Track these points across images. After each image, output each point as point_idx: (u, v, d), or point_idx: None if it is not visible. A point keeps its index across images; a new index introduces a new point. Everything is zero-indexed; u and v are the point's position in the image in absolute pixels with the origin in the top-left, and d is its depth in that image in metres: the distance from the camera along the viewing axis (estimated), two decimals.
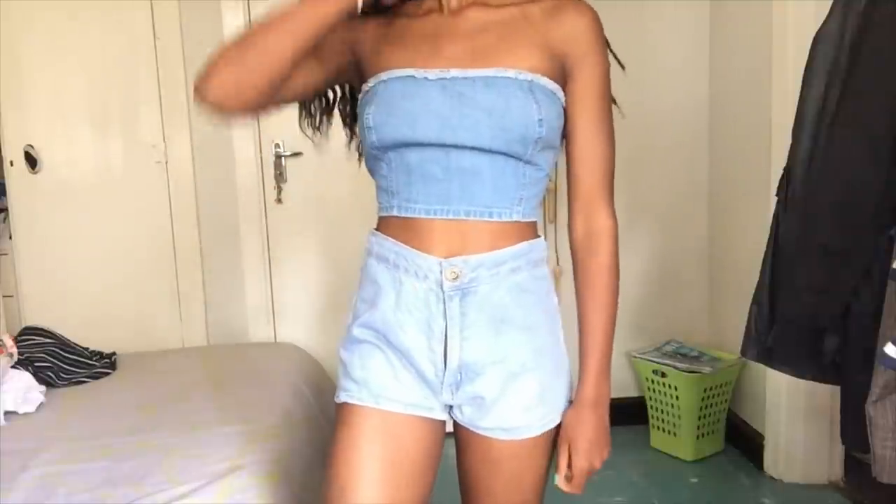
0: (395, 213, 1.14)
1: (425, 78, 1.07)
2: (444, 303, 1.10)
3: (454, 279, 1.09)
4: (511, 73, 1.06)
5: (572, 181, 1.15)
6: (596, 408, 1.13)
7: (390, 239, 1.14)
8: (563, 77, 1.11)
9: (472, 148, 1.06)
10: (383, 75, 1.10)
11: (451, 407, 1.17)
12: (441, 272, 1.09)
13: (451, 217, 1.10)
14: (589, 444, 1.13)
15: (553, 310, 1.18)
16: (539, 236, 1.17)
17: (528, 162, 1.09)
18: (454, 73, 1.07)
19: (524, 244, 1.13)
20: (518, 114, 1.05)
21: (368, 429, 1.13)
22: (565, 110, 1.12)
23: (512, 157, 1.08)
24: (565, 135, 1.14)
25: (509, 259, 1.11)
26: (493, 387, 1.12)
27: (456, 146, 1.06)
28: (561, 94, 1.11)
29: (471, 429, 1.16)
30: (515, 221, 1.12)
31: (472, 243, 1.10)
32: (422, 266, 1.10)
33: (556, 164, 1.18)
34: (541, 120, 1.06)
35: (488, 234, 1.10)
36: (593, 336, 1.14)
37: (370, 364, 1.15)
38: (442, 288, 1.10)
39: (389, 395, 1.13)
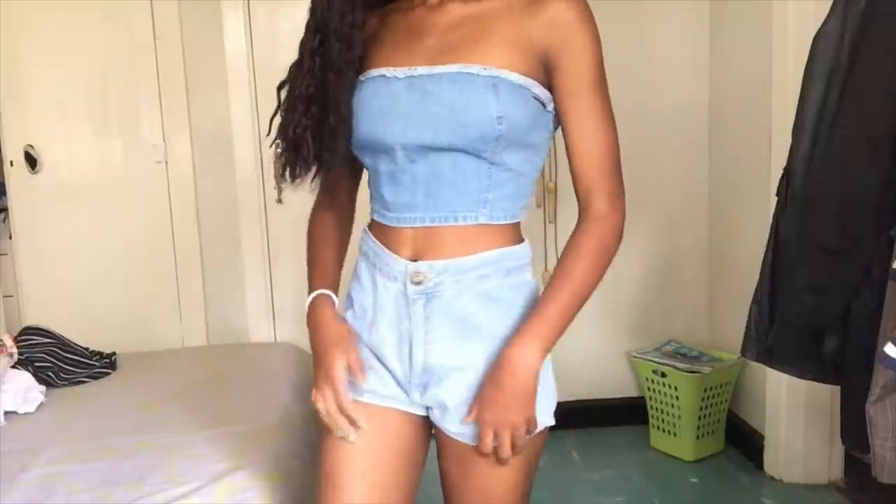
0: (374, 217, 1.17)
1: (395, 77, 1.08)
2: (409, 305, 1.11)
3: (418, 283, 1.10)
4: (475, 68, 1.04)
5: (572, 173, 1.11)
6: (521, 369, 1.05)
7: (373, 238, 1.16)
8: (543, 71, 1.07)
9: (434, 147, 1.06)
10: (362, 76, 1.11)
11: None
12: (407, 275, 1.10)
13: (417, 225, 1.10)
14: (495, 401, 1.05)
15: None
16: (520, 242, 1.14)
17: (492, 162, 1.07)
18: (421, 70, 1.07)
19: (496, 251, 1.10)
20: (477, 111, 1.03)
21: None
22: (557, 103, 1.09)
23: (473, 155, 1.06)
24: (561, 127, 1.11)
25: (477, 266, 1.09)
26: (455, 394, 1.11)
27: (419, 146, 1.06)
28: (538, 89, 1.07)
29: (442, 430, 1.15)
30: (482, 224, 1.09)
31: (439, 247, 1.09)
32: (392, 267, 1.12)
33: (556, 164, 1.17)
34: (500, 117, 1.03)
35: (455, 238, 1.09)
36: (549, 303, 1.07)
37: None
38: (407, 291, 1.11)
39: (368, 387, 1.15)
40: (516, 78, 1.05)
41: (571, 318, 1.08)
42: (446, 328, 1.10)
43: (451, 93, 1.04)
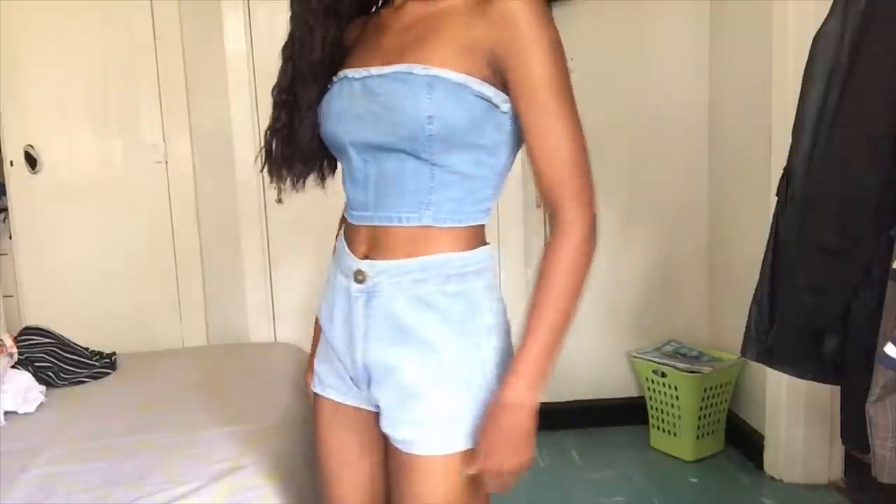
0: (345, 214, 1.20)
1: (354, 78, 1.10)
2: (352, 303, 1.13)
3: (360, 282, 1.12)
4: (416, 68, 1.02)
5: (535, 181, 1.05)
6: (514, 412, 1.04)
7: (341, 236, 1.20)
8: (492, 71, 1.03)
9: (380, 147, 1.07)
10: (335, 78, 1.13)
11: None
12: (352, 272, 1.13)
13: (369, 223, 1.12)
14: (496, 448, 1.05)
15: (475, 330, 1.10)
16: (475, 247, 1.11)
17: (433, 163, 1.05)
18: (374, 71, 1.07)
19: (438, 256, 1.08)
20: (409, 111, 1.02)
21: (323, 418, 1.24)
22: (514, 105, 1.04)
23: (413, 155, 1.05)
24: (521, 132, 1.07)
25: (415, 270, 1.08)
26: (387, 394, 1.12)
27: (365, 145, 1.08)
28: (484, 87, 1.03)
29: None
30: (426, 227, 1.08)
31: (385, 248, 1.10)
32: (345, 264, 1.15)
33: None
34: (430, 117, 1.01)
35: (399, 239, 1.09)
36: (529, 336, 1.04)
37: (318, 354, 1.25)
38: (350, 288, 1.13)
39: (330, 383, 1.21)
40: (455, 77, 1.01)
41: (557, 345, 1.05)
42: (383, 329, 1.11)
43: (389, 92, 1.04)
